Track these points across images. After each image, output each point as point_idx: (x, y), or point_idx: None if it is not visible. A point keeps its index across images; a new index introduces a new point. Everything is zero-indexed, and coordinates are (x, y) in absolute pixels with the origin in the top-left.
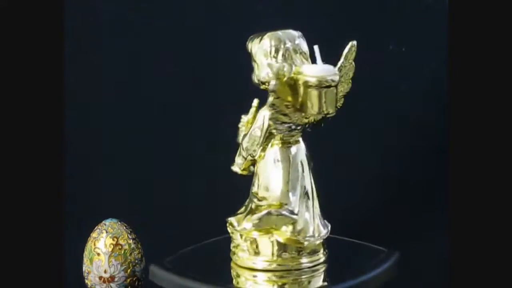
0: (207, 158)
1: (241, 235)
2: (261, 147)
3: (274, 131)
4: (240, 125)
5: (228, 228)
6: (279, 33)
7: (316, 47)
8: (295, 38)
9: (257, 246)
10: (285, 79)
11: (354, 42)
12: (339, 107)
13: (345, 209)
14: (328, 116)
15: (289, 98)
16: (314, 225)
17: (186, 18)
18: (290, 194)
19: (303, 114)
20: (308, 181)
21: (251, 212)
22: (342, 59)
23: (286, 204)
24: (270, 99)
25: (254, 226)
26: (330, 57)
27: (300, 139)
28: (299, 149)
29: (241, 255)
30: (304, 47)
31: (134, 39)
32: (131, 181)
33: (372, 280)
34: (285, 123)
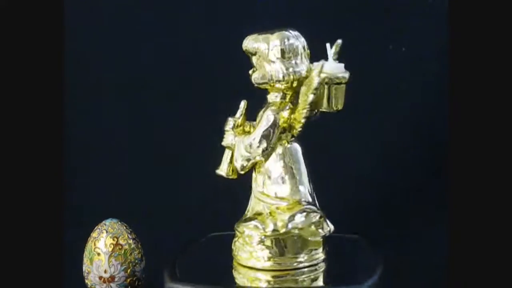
0: (207, 158)
1: (261, 239)
2: (272, 147)
3: (295, 130)
4: (227, 128)
5: (240, 233)
6: (287, 32)
7: (328, 45)
8: (299, 36)
9: (285, 246)
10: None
11: (340, 41)
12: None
13: (344, 209)
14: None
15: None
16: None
17: (186, 18)
18: (306, 190)
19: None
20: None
21: (272, 214)
22: (330, 57)
23: (305, 201)
24: (311, 97)
25: (297, 224)
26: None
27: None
28: (297, 147)
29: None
30: (306, 45)
31: (134, 38)
32: (131, 181)
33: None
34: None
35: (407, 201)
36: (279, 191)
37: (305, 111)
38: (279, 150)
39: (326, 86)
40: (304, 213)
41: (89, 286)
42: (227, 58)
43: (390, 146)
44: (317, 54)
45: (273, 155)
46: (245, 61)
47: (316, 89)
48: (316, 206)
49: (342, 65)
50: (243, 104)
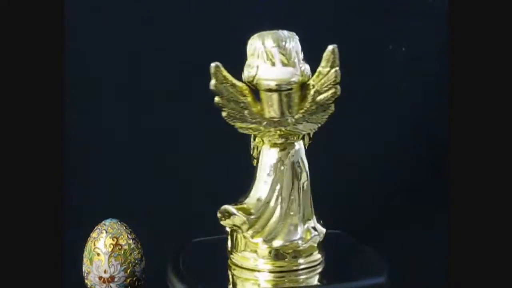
0: (207, 158)
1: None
2: (253, 147)
3: (255, 133)
4: None
5: None
6: (263, 33)
7: (276, 49)
8: (277, 39)
9: (233, 241)
10: (248, 80)
11: (334, 46)
12: (330, 113)
13: (344, 209)
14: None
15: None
16: (284, 228)
17: (186, 18)
18: (254, 195)
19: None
20: (289, 185)
21: None
22: (321, 64)
23: (246, 204)
24: (216, 99)
25: (219, 219)
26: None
27: (297, 142)
28: (290, 152)
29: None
30: (286, 48)
31: (134, 38)
32: (131, 181)
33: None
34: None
35: (407, 201)
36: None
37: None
38: (262, 151)
39: (276, 93)
40: (231, 216)
41: (89, 286)
42: (227, 58)
43: (390, 146)
44: (317, 54)
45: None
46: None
47: (214, 92)
48: (250, 214)
49: (291, 69)
50: None
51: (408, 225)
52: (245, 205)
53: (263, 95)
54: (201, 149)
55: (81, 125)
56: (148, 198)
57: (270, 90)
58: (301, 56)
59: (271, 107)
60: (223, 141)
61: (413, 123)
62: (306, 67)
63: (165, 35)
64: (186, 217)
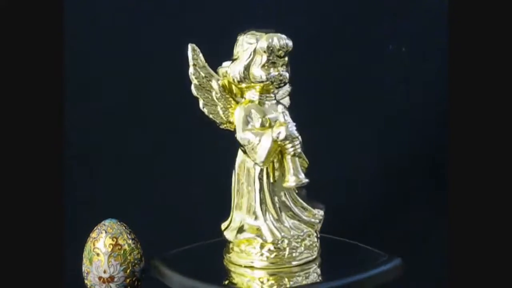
0: (207, 158)
1: None
2: None
3: None
4: None
5: None
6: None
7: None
8: (241, 38)
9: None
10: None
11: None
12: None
13: (344, 209)
14: None
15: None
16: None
17: (186, 17)
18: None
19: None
20: (239, 180)
21: None
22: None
23: None
24: None
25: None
26: (330, 56)
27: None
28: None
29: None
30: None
31: (134, 39)
32: (131, 181)
33: (363, 281)
34: None
35: (407, 202)
36: None
37: None
38: None
39: None
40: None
41: (88, 286)
42: (228, 58)
43: (390, 146)
44: (317, 54)
45: None
46: None
47: None
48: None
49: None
50: None
51: (408, 225)
52: None
53: None
54: (201, 149)
55: (81, 125)
56: (148, 198)
57: None
58: (235, 54)
59: None
60: (223, 141)
61: (413, 123)
62: (230, 68)
63: (165, 35)
64: (186, 217)
